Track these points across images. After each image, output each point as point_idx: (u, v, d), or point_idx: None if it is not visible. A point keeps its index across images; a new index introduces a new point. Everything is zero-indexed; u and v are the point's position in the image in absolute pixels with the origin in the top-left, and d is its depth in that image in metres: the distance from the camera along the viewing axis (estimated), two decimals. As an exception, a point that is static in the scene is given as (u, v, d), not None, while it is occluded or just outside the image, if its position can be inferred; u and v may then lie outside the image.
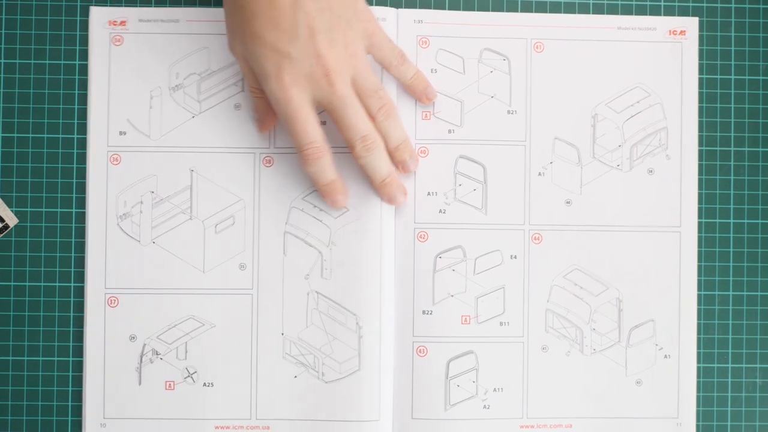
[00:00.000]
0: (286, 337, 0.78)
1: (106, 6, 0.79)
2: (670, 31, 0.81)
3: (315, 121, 0.73)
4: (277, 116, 0.76)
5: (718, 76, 0.81)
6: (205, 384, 0.78)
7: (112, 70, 0.79)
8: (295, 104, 0.72)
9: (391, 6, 0.80)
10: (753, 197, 0.81)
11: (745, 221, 0.81)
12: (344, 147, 0.76)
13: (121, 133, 0.79)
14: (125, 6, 0.79)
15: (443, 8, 0.80)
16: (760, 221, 0.81)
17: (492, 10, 0.80)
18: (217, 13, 0.79)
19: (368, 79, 0.74)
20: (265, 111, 0.76)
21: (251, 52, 0.71)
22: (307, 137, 0.73)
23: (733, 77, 0.81)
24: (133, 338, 0.78)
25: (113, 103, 0.79)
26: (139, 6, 0.79)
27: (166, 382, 0.78)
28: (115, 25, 0.79)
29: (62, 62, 0.79)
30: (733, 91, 0.81)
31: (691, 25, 0.81)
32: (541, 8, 0.81)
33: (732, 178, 0.81)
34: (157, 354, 0.78)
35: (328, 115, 0.75)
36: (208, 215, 0.79)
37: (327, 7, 0.70)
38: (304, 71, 0.71)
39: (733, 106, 0.81)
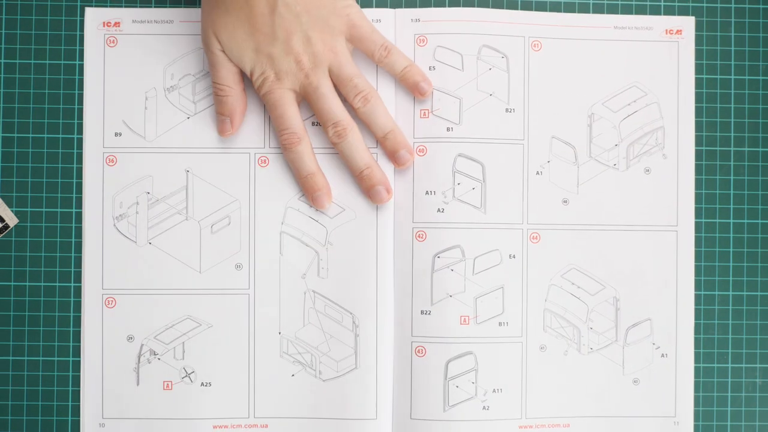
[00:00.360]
0: (284, 336, 0.78)
1: (105, 6, 0.79)
2: (666, 30, 0.81)
3: (294, 112, 0.77)
4: (242, 117, 0.79)
5: (718, 76, 0.81)
6: (202, 383, 0.78)
7: (107, 71, 0.79)
8: (276, 96, 0.76)
9: (391, 7, 0.80)
10: (753, 197, 0.81)
11: (745, 221, 0.80)
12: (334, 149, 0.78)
13: (116, 134, 0.79)
14: (122, 6, 0.79)
15: (443, 7, 0.80)
16: (759, 221, 0.80)
17: (492, 9, 0.80)
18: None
19: (344, 68, 0.76)
20: (233, 109, 0.77)
21: (234, 54, 0.75)
22: (283, 124, 0.77)
23: (732, 77, 0.81)
24: (130, 339, 0.78)
25: (108, 104, 0.79)
26: (134, 6, 0.79)
27: (164, 382, 0.78)
28: (109, 26, 0.79)
29: (62, 62, 0.79)
30: (732, 91, 0.81)
31: (687, 24, 0.81)
32: (541, 7, 0.80)
33: (732, 178, 0.81)
34: (154, 354, 0.78)
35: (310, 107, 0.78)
36: (203, 215, 0.79)
37: (303, 11, 0.74)
38: (284, 68, 0.75)
39: (732, 106, 0.81)
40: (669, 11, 0.81)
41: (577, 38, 0.80)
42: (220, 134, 0.78)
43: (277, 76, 0.75)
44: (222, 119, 0.78)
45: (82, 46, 0.79)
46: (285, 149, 0.77)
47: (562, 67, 0.80)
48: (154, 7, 0.79)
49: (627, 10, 0.81)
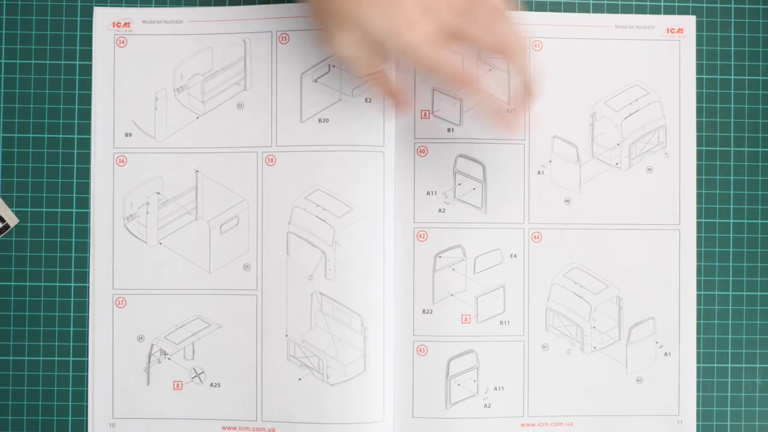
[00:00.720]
0: (290, 338, 0.78)
1: (107, 6, 0.79)
2: (667, 29, 0.81)
3: (448, 56, 0.69)
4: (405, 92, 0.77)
5: (718, 76, 0.81)
6: (212, 384, 0.78)
7: (117, 71, 0.79)
8: (426, 50, 0.69)
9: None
10: (753, 197, 0.81)
11: (745, 221, 0.81)
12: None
13: (126, 134, 0.79)
14: (127, 6, 0.79)
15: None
16: (760, 221, 0.81)
17: (492, 9, 0.80)
18: (220, 12, 0.79)
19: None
20: (397, 88, 0.76)
21: (367, 39, 0.69)
22: (448, 67, 0.70)
23: (732, 77, 0.81)
24: (140, 338, 0.78)
25: (118, 104, 0.79)
26: (142, 6, 0.79)
27: (174, 382, 0.78)
28: (119, 26, 0.79)
29: (63, 62, 0.79)
30: (732, 91, 0.81)
31: (688, 23, 0.81)
32: (541, 7, 0.81)
33: (732, 178, 0.81)
34: (164, 354, 0.78)
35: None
36: (213, 215, 0.79)
37: None
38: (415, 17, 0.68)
39: (732, 106, 0.81)
40: (669, 11, 0.81)
41: (578, 38, 0.80)
42: (401, 113, 0.77)
43: (415, 37, 0.68)
44: (397, 100, 0.76)
45: (83, 46, 0.79)
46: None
47: (563, 67, 0.80)
48: (155, 6, 0.79)
49: (627, 9, 0.81)
